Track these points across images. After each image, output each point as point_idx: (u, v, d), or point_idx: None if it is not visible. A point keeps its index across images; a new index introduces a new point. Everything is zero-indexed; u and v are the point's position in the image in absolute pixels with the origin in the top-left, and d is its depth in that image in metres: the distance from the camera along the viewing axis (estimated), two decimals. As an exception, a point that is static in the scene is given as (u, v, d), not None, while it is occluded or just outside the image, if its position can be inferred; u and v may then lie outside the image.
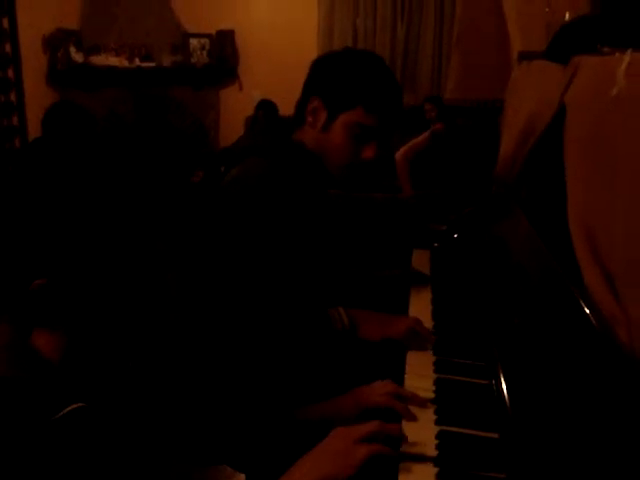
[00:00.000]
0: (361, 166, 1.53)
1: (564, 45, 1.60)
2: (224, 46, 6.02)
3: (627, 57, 1.04)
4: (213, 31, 6.00)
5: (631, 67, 1.02)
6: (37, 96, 5.35)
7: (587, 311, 1.04)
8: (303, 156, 1.51)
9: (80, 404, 0.89)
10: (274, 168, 1.47)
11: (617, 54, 1.09)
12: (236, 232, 1.42)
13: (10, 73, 5.24)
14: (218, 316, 1.41)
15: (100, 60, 5.84)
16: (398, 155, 4.52)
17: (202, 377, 1.29)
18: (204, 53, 6.04)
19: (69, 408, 0.87)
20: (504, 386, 1.24)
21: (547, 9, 1.98)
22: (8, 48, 5.20)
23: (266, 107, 5.15)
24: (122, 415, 0.98)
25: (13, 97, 5.29)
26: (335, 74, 1.49)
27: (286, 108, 1.64)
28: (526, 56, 2.00)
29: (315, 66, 1.54)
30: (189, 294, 1.50)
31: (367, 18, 5.94)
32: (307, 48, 5.67)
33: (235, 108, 6.04)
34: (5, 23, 5.15)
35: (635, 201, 0.96)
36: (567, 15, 1.82)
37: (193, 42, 6.01)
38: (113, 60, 5.86)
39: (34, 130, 4.98)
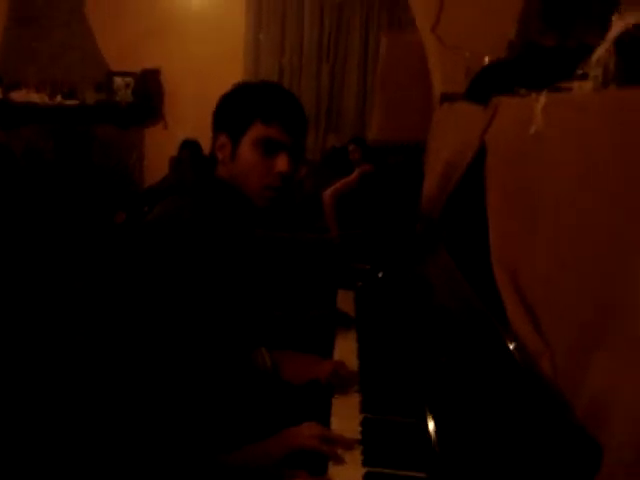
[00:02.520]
0: (288, 204, 1.50)
1: (483, 86, 1.65)
2: (149, 85, 5.97)
3: (543, 97, 1.07)
4: (138, 69, 5.94)
5: (548, 107, 1.06)
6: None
7: (511, 347, 1.04)
8: (228, 194, 1.48)
9: None
10: (197, 206, 1.43)
11: (534, 95, 1.12)
12: (156, 271, 1.37)
13: None
14: (135, 359, 1.35)
15: (20, 96, 5.68)
16: (325, 195, 4.53)
17: (120, 424, 1.23)
18: (129, 92, 5.97)
19: None
20: (431, 424, 1.23)
21: (467, 54, 2.04)
22: None
23: (190, 147, 5.10)
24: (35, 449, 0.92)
25: None
26: (228, 104, 1.49)
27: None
28: (447, 98, 2.05)
29: (216, 106, 1.54)
30: (106, 336, 1.44)
31: (293, 57, 6.02)
32: (233, 87, 5.67)
33: (160, 148, 5.95)
34: None
35: (555, 237, 0.98)
36: (486, 59, 1.88)
37: (117, 80, 5.94)
38: (34, 96, 5.71)
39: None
